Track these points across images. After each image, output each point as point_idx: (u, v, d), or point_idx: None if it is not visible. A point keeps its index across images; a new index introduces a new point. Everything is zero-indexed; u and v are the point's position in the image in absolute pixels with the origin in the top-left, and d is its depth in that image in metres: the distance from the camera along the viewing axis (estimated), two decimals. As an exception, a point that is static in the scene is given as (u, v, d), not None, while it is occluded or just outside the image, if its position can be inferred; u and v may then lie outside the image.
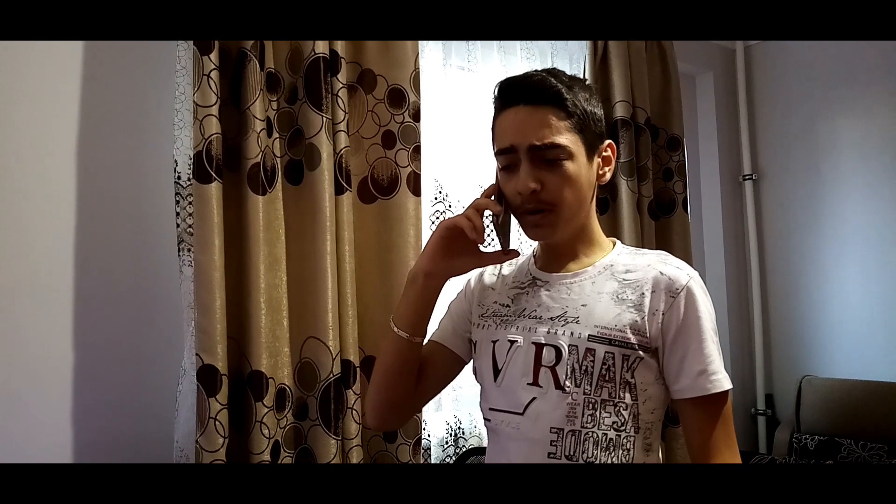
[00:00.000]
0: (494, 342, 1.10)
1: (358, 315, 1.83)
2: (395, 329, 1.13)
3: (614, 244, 1.15)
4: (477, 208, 1.07)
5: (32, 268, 1.57)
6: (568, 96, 1.05)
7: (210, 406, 1.56)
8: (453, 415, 2.11)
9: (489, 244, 1.12)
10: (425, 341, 1.18)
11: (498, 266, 1.21)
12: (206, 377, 1.57)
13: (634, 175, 2.42)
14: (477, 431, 2.14)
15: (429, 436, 2.03)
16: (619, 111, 2.38)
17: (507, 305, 1.13)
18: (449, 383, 1.23)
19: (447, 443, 2.09)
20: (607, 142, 1.15)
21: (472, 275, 1.23)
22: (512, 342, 1.08)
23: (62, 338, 1.60)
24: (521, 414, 1.05)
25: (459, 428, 2.12)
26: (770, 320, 3.03)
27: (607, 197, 2.41)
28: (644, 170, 2.46)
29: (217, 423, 1.56)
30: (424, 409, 1.91)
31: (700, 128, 3.09)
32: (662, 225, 2.54)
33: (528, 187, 1.03)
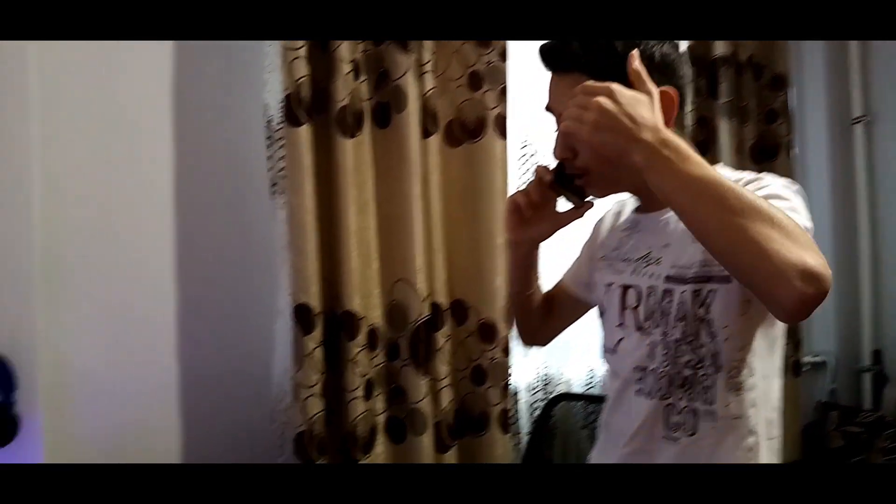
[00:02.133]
0: (603, 285, 1.13)
1: (446, 259, 1.82)
2: (508, 285, 1.25)
3: None
4: (537, 176, 1.07)
5: (135, 219, 1.63)
6: (592, 58, 0.97)
7: (305, 344, 1.59)
8: (543, 361, 2.08)
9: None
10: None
11: (614, 209, 1.21)
12: (301, 316, 1.59)
13: (735, 117, 2.27)
14: (566, 379, 2.10)
15: (515, 380, 2.01)
16: (719, 49, 2.22)
17: (616, 248, 1.14)
18: (575, 321, 1.27)
19: (536, 388, 2.07)
20: (659, 91, 1.04)
21: (598, 219, 1.25)
22: (609, 285, 1.10)
23: (166, 281, 1.66)
24: (614, 353, 1.08)
25: (548, 375, 2.09)
26: (880, 274, 2.81)
27: (706, 140, 2.28)
28: (746, 111, 2.30)
29: (312, 360, 1.59)
30: (514, 353, 1.89)
31: (806, 65, 2.85)
32: (765, 171, 2.37)
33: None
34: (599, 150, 0.90)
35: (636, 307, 1.03)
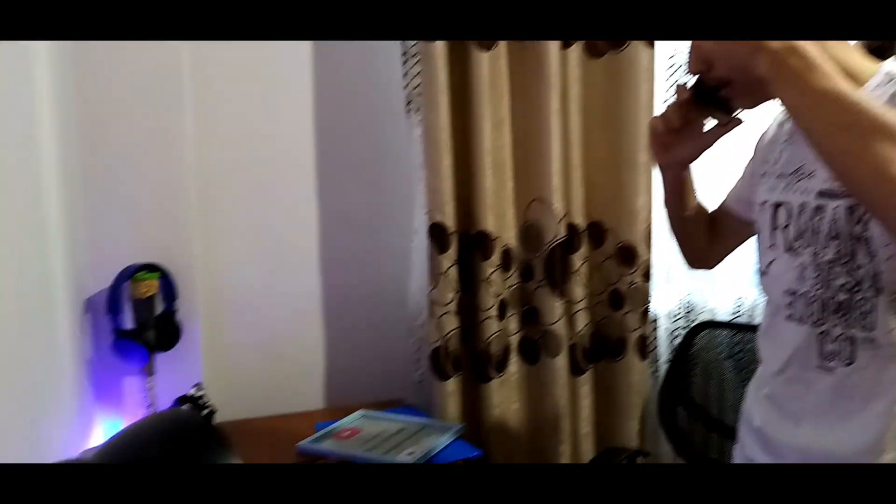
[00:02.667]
0: (757, 203, 1.03)
1: (584, 178, 1.74)
2: (664, 207, 1.16)
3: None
4: (677, 95, 0.99)
5: (277, 145, 1.67)
6: None
7: (440, 263, 1.59)
8: (687, 288, 1.97)
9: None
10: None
11: (779, 118, 1.09)
12: (436, 235, 1.59)
13: None
14: (710, 307, 1.98)
15: (656, 308, 1.93)
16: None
17: (773, 163, 1.04)
18: (740, 243, 1.18)
19: (677, 315, 1.97)
20: None
21: (762, 131, 1.15)
22: (763, 203, 1.01)
23: (307, 202, 1.71)
24: (766, 275, 0.99)
25: (691, 302, 1.98)
26: None
27: (881, 45, 1.98)
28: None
29: (447, 278, 1.60)
30: (655, 279, 1.81)
31: None
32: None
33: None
34: (728, 58, 0.85)
35: (786, 226, 0.94)
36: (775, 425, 0.94)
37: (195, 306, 1.58)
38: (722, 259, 1.20)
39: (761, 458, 0.96)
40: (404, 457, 1.33)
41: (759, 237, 1.02)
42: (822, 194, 0.89)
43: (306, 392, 1.74)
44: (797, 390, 0.92)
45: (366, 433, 1.49)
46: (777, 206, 0.96)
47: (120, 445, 0.47)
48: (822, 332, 0.90)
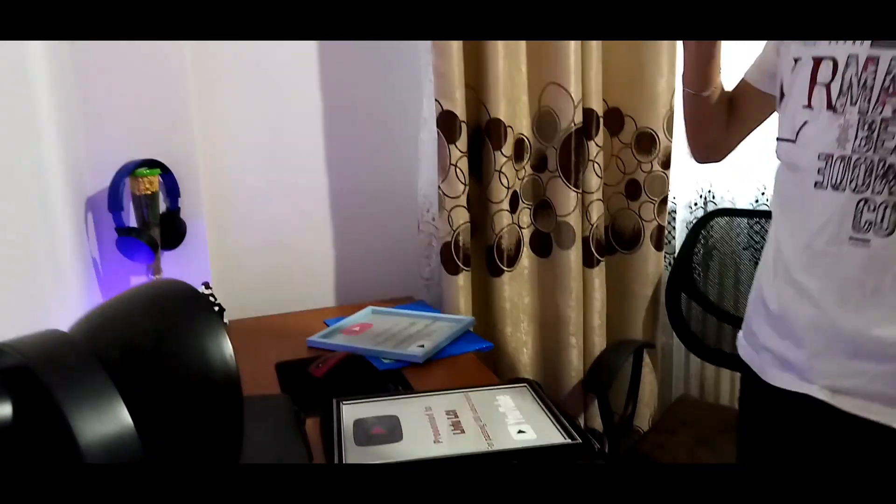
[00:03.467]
0: (790, 59, 0.92)
1: (603, 61, 1.64)
2: (683, 86, 1.07)
3: None
4: None
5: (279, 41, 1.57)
6: None
7: (450, 153, 1.53)
8: (707, 178, 1.90)
9: None
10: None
11: None
12: (446, 124, 1.52)
13: None
14: (730, 196, 1.92)
15: (674, 198, 1.88)
16: None
17: None
18: (756, 125, 1.09)
19: (695, 205, 1.91)
20: None
21: None
22: (797, 59, 0.90)
23: (311, 94, 1.63)
24: (794, 141, 0.90)
25: (710, 191, 1.91)
26: None
27: None
28: None
29: (457, 170, 1.54)
30: (673, 169, 1.74)
31: None
32: None
33: None
34: None
35: (829, 82, 0.84)
36: (796, 307, 0.88)
37: (199, 204, 1.54)
38: (734, 147, 1.12)
39: (778, 345, 0.92)
40: (415, 349, 1.32)
41: (786, 101, 0.92)
42: (876, 44, 0.80)
43: (315, 290, 1.73)
44: (823, 266, 0.85)
45: (376, 328, 1.48)
46: (818, 60, 0.86)
47: (104, 315, 0.43)
48: (862, 200, 0.82)
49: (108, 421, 0.34)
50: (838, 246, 0.83)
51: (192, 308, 0.41)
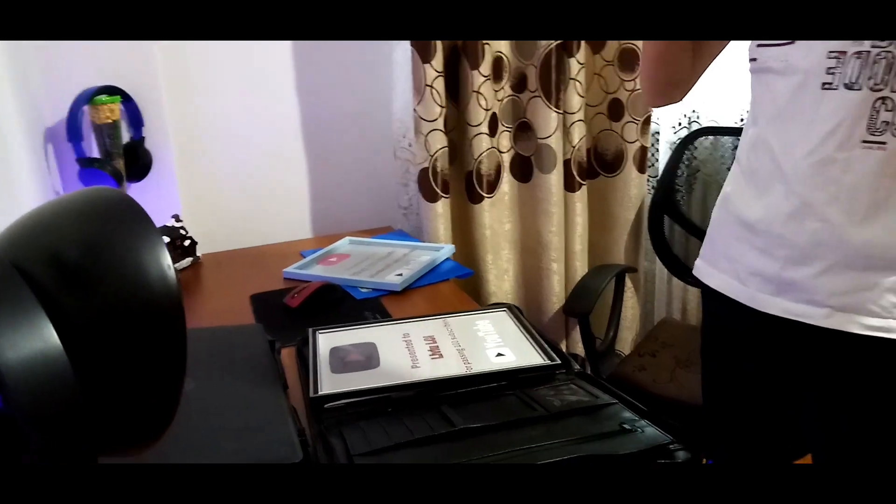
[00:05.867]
0: None
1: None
2: None
3: None
4: None
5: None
6: None
7: (425, 73, 1.47)
8: (690, 97, 1.86)
9: None
10: None
11: None
12: (420, 43, 1.46)
13: None
14: (715, 116, 1.89)
15: (658, 118, 1.84)
16: None
17: None
18: (728, 43, 0.99)
19: (679, 125, 1.88)
20: None
21: None
22: None
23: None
24: (791, 42, 0.82)
25: (694, 111, 1.88)
26: None
27: None
28: None
29: (433, 91, 1.49)
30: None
31: None
32: None
33: None
34: None
35: None
36: (796, 223, 0.81)
37: (165, 133, 1.49)
38: (697, 80, 1.01)
39: (770, 267, 0.85)
40: (393, 278, 1.31)
41: None
42: None
43: (291, 222, 1.70)
44: (829, 175, 0.78)
45: (353, 259, 1.46)
46: None
47: (25, 225, 0.39)
48: (880, 99, 0.76)
49: (32, 339, 0.31)
50: (849, 151, 0.77)
51: (125, 216, 0.38)
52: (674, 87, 1.00)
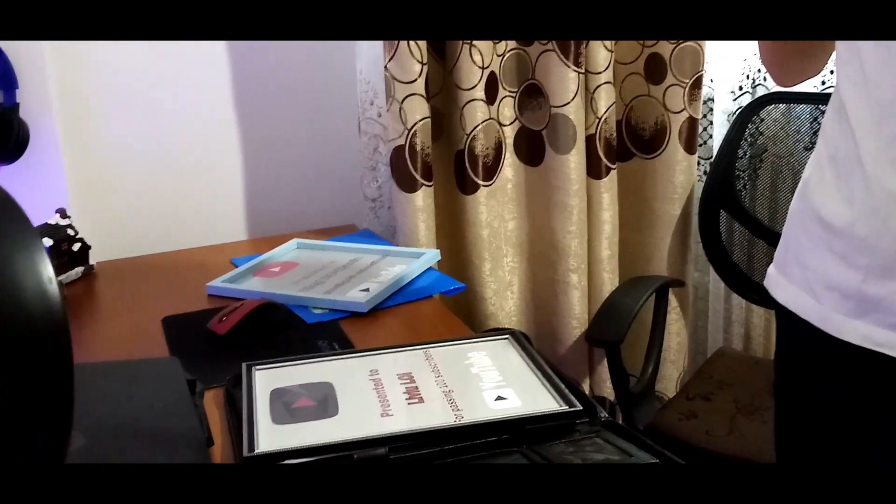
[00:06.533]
0: None
1: None
2: None
3: None
4: None
5: None
6: None
7: (399, 20, 1.48)
8: (754, 55, 1.88)
9: None
10: None
11: None
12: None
13: None
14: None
15: (712, 80, 1.86)
16: None
17: None
18: None
19: (740, 89, 1.90)
20: None
21: None
22: None
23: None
24: None
25: (760, 71, 1.90)
26: None
27: None
28: None
29: (410, 43, 1.50)
30: (708, 44, 1.73)
31: None
32: None
33: None
34: None
35: None
36: (876, 223, 0.82)
37: (47, 98, 1.50)
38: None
39: (851, 279, 0.86)
40: (356, 294, 1.31)
41: None
42: None
43: (219, 219, 1.71)
44: None
45: (303, 268, 1.47)
46: None
47: None
48: None
49: None
50: None
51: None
52: (806, 71, 1.04)
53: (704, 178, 1.86)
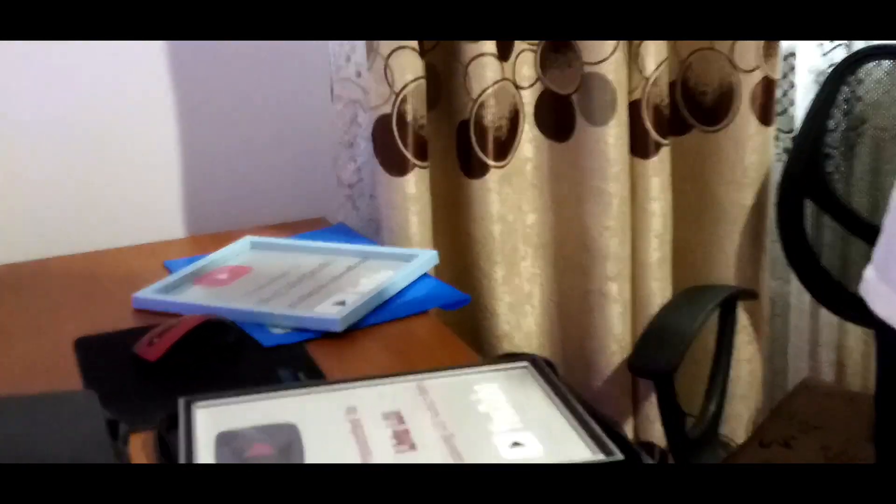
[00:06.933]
0: None
1: None
2: None
3: None
4: None
5: None
6: None
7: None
8: None
9: None
10: None
11: None
12: None
13: None
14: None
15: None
16: None
17: None
18: None
19: (828, 49, 1.90)
20: None
21: None
22: None
23: None
24: None
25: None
26: None
27: None
28: None
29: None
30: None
31: None
32: None
33: None
34: None
35: None
36: None
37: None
38: None
39: None
40: (328, 308, 1.31)
41: None
42: None
43: (147, 212, 1.73)
44: None
45: (259, 274, 1.48)
46: None
47: None
48: None
49: None
50: None
51: None
52: None
53: (785, 157, 1.86)
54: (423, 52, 1.56)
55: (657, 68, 1.68)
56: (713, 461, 1.67)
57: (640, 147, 1.71)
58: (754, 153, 1.77)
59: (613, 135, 1.66)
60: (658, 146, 1.72)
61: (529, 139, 1.70)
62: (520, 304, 1.72)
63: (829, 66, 1.87)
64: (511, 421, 0.99)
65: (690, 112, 1.80)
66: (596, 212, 1.69)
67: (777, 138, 1.85)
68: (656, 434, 1.77)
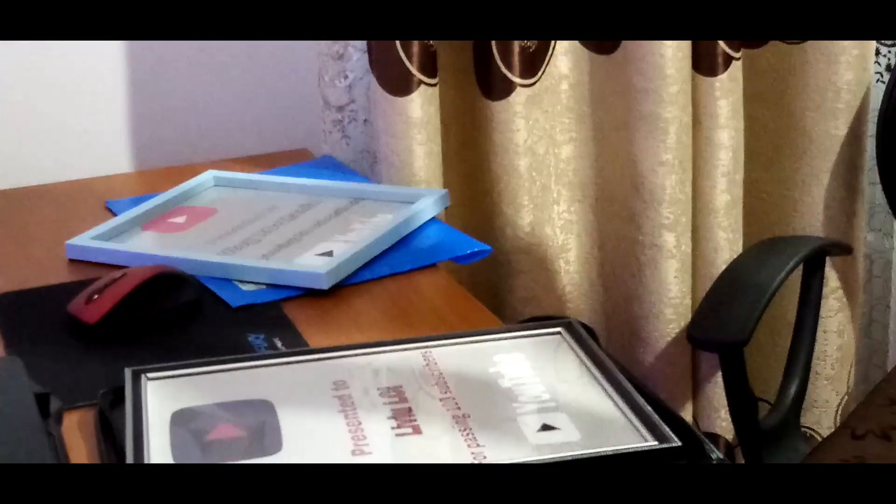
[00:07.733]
0: None
1: None
2: None
3: None
4: None
5: None
6: None
7: None
8: None
9: None
10: None
11: None
12: None
13: None
14: None
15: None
16: None
17: None
18: None
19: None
20: None
21: None
22: None
23: None
24: None
25: None
26: None
27: None
28: None
29: None
30: None
31: None
32: None
33: None
34: None
35: None
36: None
37: None
38: None
39: None
40: (311, 260, 1.32)
41: None
42: None
43: (87, 141, 1.74)
44: None
45: (224, 217, 1.49)
46: None
47: None
48: None
49: None
50: None
51: None
52: None
53: (888, 76, 1.85)
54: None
55: (728, -38, 1.68)
56: (794, 459, 1.67)
57: (704, 62, 1.71)
58: (849, 70, 1.76)
59: (672, 45, 1.66)
60: (728, 60, 1.71)
61: (565, 51, 1.71)
62: (551, 258, 1.73)
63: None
64: (540, 399, 1.00)
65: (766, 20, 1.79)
66: (648, 143, 1.69)
67: (877, 52, 1.84)
68: (722, 424, 1.78)
